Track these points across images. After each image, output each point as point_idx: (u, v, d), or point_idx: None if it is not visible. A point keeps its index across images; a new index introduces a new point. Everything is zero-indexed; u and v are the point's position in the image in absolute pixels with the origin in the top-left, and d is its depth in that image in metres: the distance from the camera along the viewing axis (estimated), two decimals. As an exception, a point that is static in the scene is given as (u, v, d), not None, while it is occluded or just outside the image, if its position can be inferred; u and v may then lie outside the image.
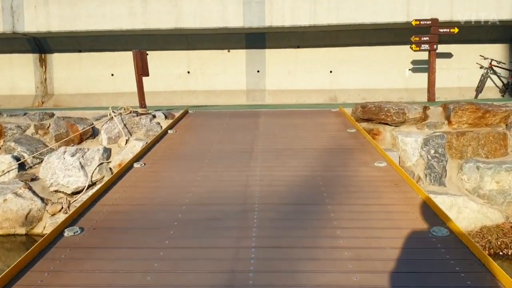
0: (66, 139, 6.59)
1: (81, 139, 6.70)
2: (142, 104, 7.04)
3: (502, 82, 10.19)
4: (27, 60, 11.04)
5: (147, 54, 9.93)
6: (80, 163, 6.08)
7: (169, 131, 5.80)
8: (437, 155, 5.86)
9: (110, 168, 6.15)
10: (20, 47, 10.86)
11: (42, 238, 2.73)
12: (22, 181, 6.00)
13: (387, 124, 6.26)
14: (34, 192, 5.87)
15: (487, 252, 4.98)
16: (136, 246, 2.71)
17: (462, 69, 10.41)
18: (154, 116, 6.83)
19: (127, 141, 6.42)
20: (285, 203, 3.36)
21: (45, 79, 11.06)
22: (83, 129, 6.66)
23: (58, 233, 2.87)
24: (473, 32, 9.99)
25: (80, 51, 10.94)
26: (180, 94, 10.78)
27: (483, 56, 10.02)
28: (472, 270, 2.39)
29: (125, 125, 6.66)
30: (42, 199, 5.84)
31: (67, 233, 2.87)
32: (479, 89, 10.06)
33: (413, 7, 9.40)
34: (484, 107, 6.13)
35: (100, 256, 2.59)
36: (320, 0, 9.47)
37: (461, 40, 10.01)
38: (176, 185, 3.80)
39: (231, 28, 9.81)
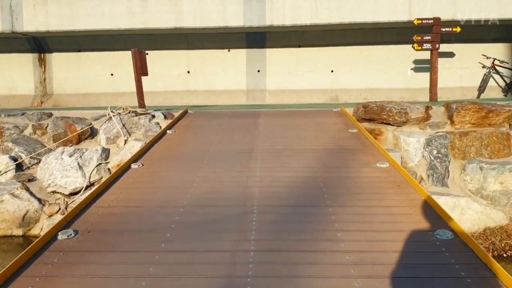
0: (64, 139, 6.52)
1: (80, 139, 6.63)
2: (141, 104, 6.96)
3: (505, 81, 10.10)
4: (26, 60, 10.96)
5: (147, 53, 9.88)
6: (78, 163, 6.00)
7: (168, 131, 5.73)
8: (439, 155, 5.78)
9: (109, 169, 6.08)
10: (19, 46, 10.79)
11: (35, 242, 2.66)
12: (19, 181, 5.93)
13: (389, 124, 6.18)
14: (31, 193, 5.80)
15: (490, 254, 4.89)
16: (131, 250, 2.63)
17: (464, 69, 10.31)
18: (153, 116, 6.76)
19: (125, 141, 6.34)
20: (285, 205, 3.28)
21: (44, 79, 10.99)
22: (81, 129, 6.59)
23: (51, 236, 2.79)
24: (476, 31, 9.89)
25: (79, 51, 10.87)
26: (180, 94, 10.70)
27: (485, 56, 9.93)
28: (478, 275, 2.31)
29: (124, 125, 6.59)
30: (39, 200, 5.77)
31: (61, 236, 2.79)
32: (482, 88, 9.97)
33: (415, 6, 9.31)
34: (487, 107, 6.05)
35: (94, 260, 2.51)
36: (321, -1, 9.41)
37: (464, 39, 9.92)
38: (174, 186, 3.72)
39: (231, 27, 9.73)
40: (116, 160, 6.04)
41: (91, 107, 8.53)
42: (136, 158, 4.53)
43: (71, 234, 2.81)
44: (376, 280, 2.27)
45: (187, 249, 2.63)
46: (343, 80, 10.51)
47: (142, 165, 4.33)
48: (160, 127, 6.42)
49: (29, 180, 6.02)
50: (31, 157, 6.32)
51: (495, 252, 4.93)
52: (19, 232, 5.60)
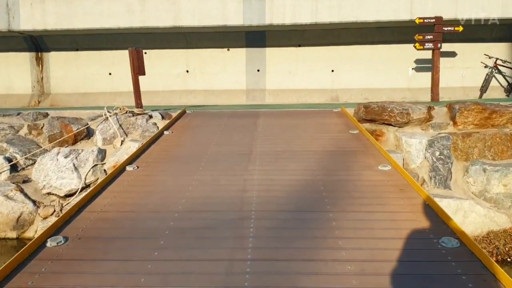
0: (60, 139, 6.41)
1: (76, 139, 6.52)
2: (139, 104, 6.85)
3: (507, 81, 9.98)
4: (24, 59, 10.84)
5: (145, 53, 9.76)
6: (74, 164, 5.89)
7: (165, 132, 5.61)
8: (442, 157, 5.67)
9: (105, 170, 5.97)
10: (16, 45, 10.67)
11: (23, 249, 2.54)
12: (13, 183, 5.82)
13: (390, 124, 6.07)
14: (25, 195, 5.69)
15: (494, 258, 4.78)
16: (123, 258, 2.51)
17: (466, 68, 10.20)
18: (150, 116, 6.65)
19: (122, 142, 6.23)
20: (284, 210, 3.16)
21: (42, 78, 10.87)
22: (77, 129, 6.48)
23: (40, 243, 2.68)
24: (478, 31, 9.78)
25: (77, 50, 10.75)
26: (178, 93, 10.58)
27: (487, 55, 9.81)
28: (486, 287, 2.20)
29: (120, 125, 6.47)
30: (34, 202, 5.66)
31: (50, 243, 2.68)
32: (484, 88, 9.85)
33: (417, 5, 9.20)
34: (491, 107, 5.94)
35: (84, 270, 2.40)
36: (322, -2, 9.29)
37: (466, 39, 9.80)
38: (169, 190, 3.61)
39: (231, 26, 9.61)
40: (113, 161, 5.93)
41: (88, 107, 8.42)
42: (132, 160, 4.42)
43: (60, 241, 2.69)
44: (379, 291, 2.16)
45: (181, 257, 2.52)
46: (344, 79, 10.39)
47: (138, 167, 4.21)
48: (158, 127, 6.31)
49: (24, 182, 5.91)
50: (26, 158, 6.21)
51: (499, 256, 4.82)
52: (13, 234, 5.50)
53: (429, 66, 9.51)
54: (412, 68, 10.27)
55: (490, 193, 5.38)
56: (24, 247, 2.57)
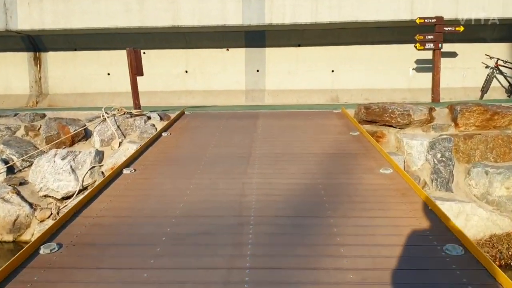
0: (57, 141, 6.33)
1: (73, 141, 6.45)
2: (137, 104, 6.77)
3: (509, 82, 9.90)
4: (21, 59, 10.76)
5: (144, 53, 9.69)
6: (71, 166, 5.82)
7: (163, 134, 5.54)
8: (443, 159, 5.60)
9: (102, 172, 5.89)
10: (14, 45, 10.58)
11: (15, 257, 2.47)
12: (10, 185, 5.75)
13: (391, 126, 6.01)
14: (22, 197, 5.63)
15: (497, 263, 4.71)
16: (118, 266, 2.44)
17: (467, 69, 10.13)
18: (149, 118, 6.57)
19: (120, 143, 6.16)
20: (283, 215, 3.09)
21: (40, 78, 10.79)
22: (74, 130, 6.41)
23: (33, 250, 2.61)
24: (479, 31, 9.71)
25: (75, 50, 10.67)
26: (178, 94, 10.50)
27: (489, 56, 9.74)
28: (493, 297, 2.13)
29: (118, 126, 6.40)
30: (30, 204, 5.59)
31: (43, 250, 2.60)
32: (485, 89, 9.78)
33: (417, 5, 9.12)
34: (493, 109, 5.87)
35: (77, 278, 2.33)
36: (322, -3, 9.22)
37: (466, 39, 9.73)
38: (167, 194, 3.53)
39: (230, 26, 9.54)
40: (110, 163, 5.86)
41: (87, 108, 8.35)
42: (129, 162, 4.34)
43: (54, 248, 2.62)
44: (381, 302, 2.09)
45: (178, 265, 2.45)
46: (344, 80, 10.31)
47: (135, 170, 4.14)
48: (156, 128, 6.23)
49: (21, 184, 5.84)
50: (23, 160, 6.14)
51: (502, 261, 4.75)
52: (9, 237, 5.43)
53: (430, 66, 9.44)
54: (413, 69, 10.19)
55: (493, 196, 5.31)
56: (17, 255, 2.50)
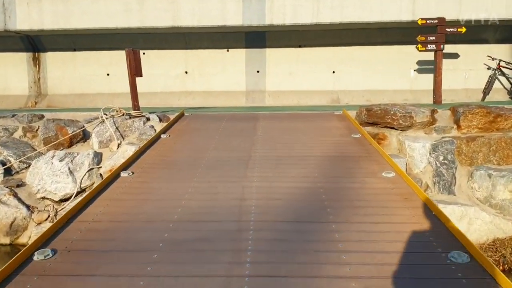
0: (55, 142, 6.27)
1: (71, 142, 6.38)
2: (136, 106, 6.70)
3: (511, 83, 9.83)
4: (20, 59, 10.69)
5: (144, 53, 9.62)
6: (69, 168, 5.75)
7: (162, 136, 5.47)
8: (446, 161, 5.53)
9: (101, 174, 5.83)
10: (13, 45, 10.51)
11: (8, 263, 2.40)
12: (7, 187, 5.68)
13: (393, 128, 5.94)
14: (19, 199, 5.56)
15: (501, 268, 4.64)
16: (113, 274, 2.37)
17: (469, 70, 10.05)
18: (148, 119, 6.51)
19: (119, 145, 6.09)
20: (284, 221, 3.02)
21: (39, 79, 10.72)
22: (73, 132, 6.34)
23: (27, 257, 2.54)
24: (481, 32, 9.64)
25: (74, 50, 10.59)
26: (177, 95, 10.43)
27: (491, 57, 9.66)
28: (500, 308, 2.06)
29: (117, 128, 6.33)
30: (28, 206, 5.52)
31: (37, 256, 2.53)
32: (487, 90, 9.70)
33: (419, 6, 9.05)
34: (496, 111, 5.81)
35: (71, 286, 2.25)
36: (323, -2, 9.14)
37: (469, 40, 9.66)
38: (164, 198, 3.46)
39: (230, 26, 9.46)
40: (109, 165, 5.79)
41: (85, 109, 8.28)
42: (127, 165, 4.27)
43: (48, 255, 2.55)
44: (385, 313, 2.02)
45: (175, 273, 2.38)
46: (345, 81, 10.24)
47: (132, 173, 4.07)
48: (155, 130, 6.16)
49: (18, 186, 5.77)
50: (20, 161, 6.07)
51: (506, 265, 4.68)
52: (6, 240, 5.37)
53: (431, 67, 9.38)
54: (414, 70, 10.12)
55: (496, 199, 5.24)
56: (9, 261, 2.43)
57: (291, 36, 10.09)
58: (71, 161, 5.81)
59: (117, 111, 6.53)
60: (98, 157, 5.98)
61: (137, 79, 6.73)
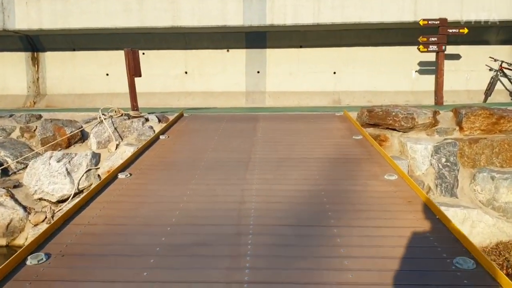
0: (53, 143, 6.20)
1: (69, 143, 6.31)
2: (135, 106, 6.63)
3: (513, 85, 9.76)
4: (19, 59, 10.62)
5: (143, 53, 9.55)
6: (67, 169, 5.68)
7: (161, 137, 5.40)
8: (448, 163, 5.46)
9: (99, 175, 5.76)
10: (12, 45, 10.44)
11: (0, 268, 2.33)
12: (4, 188, 5.61)
13: (394, 129, 5.87)
14: (16, 200, 5.49)
15: (505, 272, 4.56)
16: (109, 279, 2.30)
17: (471, 71, 9.98)
18: (146, 120, 6.44)
19: (117, 146, 6.02)
20: (284, 225, 2.95)
21: (38, 79, 10.65)
22: (71, 132, 6.27)
23: (20, 261, 2.47)
24: (483, 33, 9.57)
25: (73, 50, 10.52)
26: (177, 95, 10.36)
27: (493, 58, 9.59)
28: (508, 317, 1.99)
29: (115, 128, 6.26)
30: (24, 208, 5.46)
31: (30, 261, 2.46)
32: (489, 92, 9.63)
33: (421, 6, 8.98)
34: (498, 112, 5.74)
35: (64, 293, 2.19)
36: (324, -2, 9.08)
37: (470, 41, 9.59)
38: (162, 201, 3.39)
39: (231, 26, 9.40)
40: (107, 166, 5.72)
41: (83, 109, 8.21)
42: (124, 166, 4.20)
43: (42, 259, 2.48)
44: (389, 322, 1.95)
45: (172, 279, 2.31)
46: (346, 82, 10.16)
47: (130, 174, 4.00)
48: (154, 131, 6.09)
49: (15, 186, 5.71)
50: (17, 162, 6.00)
51: (509, 269, 4.60)
52: (2, 242, 5.31)
53: (433, 68, 9.31)
54: (416, 71, 10.05)
55: (499, 202, 5.18)
56: (2, 265, 2.36)
57: (292, 36, 10.02)
58: (69, 162, 5.74)
59: (115, 112, 6.46)
60: (96, 158, 5.91)
61: (136, 79, 6.66)
